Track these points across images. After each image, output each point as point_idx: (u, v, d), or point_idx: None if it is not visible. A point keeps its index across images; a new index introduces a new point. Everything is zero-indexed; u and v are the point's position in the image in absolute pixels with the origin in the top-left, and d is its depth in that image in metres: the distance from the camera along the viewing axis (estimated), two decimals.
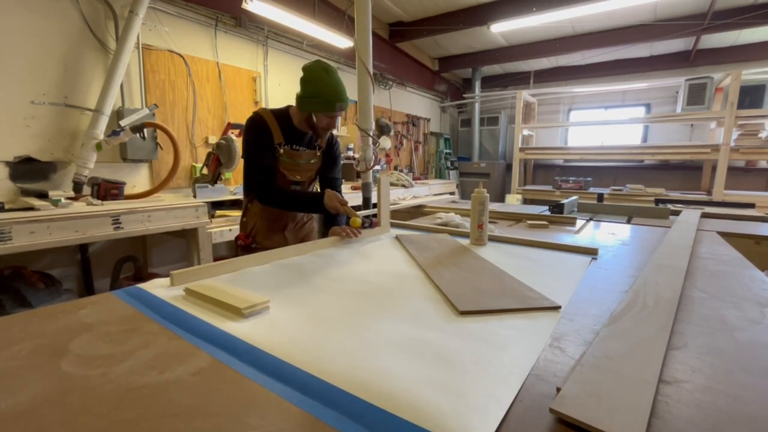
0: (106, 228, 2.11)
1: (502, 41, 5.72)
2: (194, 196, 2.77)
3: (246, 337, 0.61)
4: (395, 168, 5.90)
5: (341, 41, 4.00)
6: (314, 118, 1.45)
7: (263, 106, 3.85)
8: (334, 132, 1.65)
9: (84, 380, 0.49)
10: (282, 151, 1.49)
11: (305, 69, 1.44)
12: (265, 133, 1.47)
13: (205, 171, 3.01)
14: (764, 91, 4.74)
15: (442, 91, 7.14)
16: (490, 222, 1.58)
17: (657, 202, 2.86)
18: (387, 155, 5.58)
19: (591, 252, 1.19)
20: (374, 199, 2.48)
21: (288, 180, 1.55)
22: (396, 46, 5.47)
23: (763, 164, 5.32)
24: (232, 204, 2.97)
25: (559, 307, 0.74)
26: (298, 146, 1.54)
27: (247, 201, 1.60)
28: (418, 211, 2.67)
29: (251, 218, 1.59)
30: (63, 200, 2.11)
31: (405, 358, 0.55)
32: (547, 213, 2.01)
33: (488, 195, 1.28)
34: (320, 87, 1.42)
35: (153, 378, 0.50)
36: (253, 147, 1.48)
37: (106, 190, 2.43)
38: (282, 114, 1.52)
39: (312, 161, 1.59)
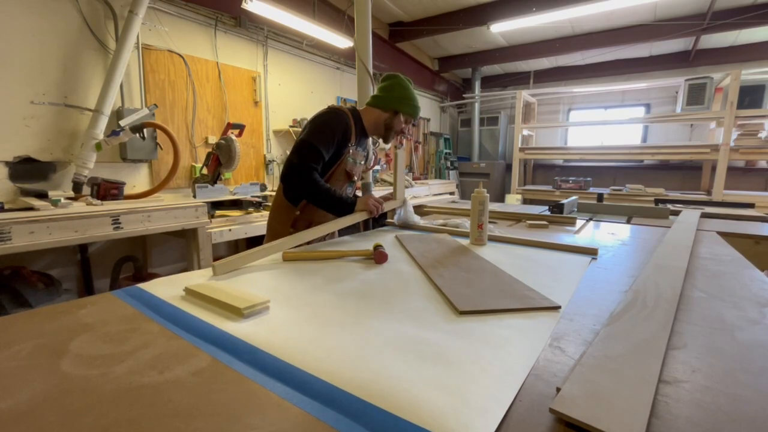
0: (106, 228, 2.11)
1: (502, 41, 5.73)
2: (194, 196, 2.77)
3: (246, 337, 0.61)
4: None
5: (341, 41, 4.00)
6: (399, 119, 1.54)
7: (263, 106, 3.85)
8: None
9: (84, 380, 0.49)
10: (351, 151, 1.51)
11: (393, 76, 1.56)
12: (344, 133, 1.46)
13: (204, 171, 3.01)
14: (764, 91, 4.74)
15: (441, 91, 7.14)
16: (489, 222, 1.58)
17: (657, 202, 2.86)
18: (387, 155, 5.58)
19: (591, 252, 1.19)
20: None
21: (350, 180, 1.57)
22: (396, 46, 5.47)
23: (762, 164, 5.32)
24: (232, 204, 2.97)
25: (559, 307, 0.74)
26: (359, 148, 1.58)
27: (292, 209, 1.50)
28: (417, 211, 2.67)
29: (306, 217, 1.50)
30: (62, 200, 2.11)
31: (405, 358, 0.55)
32: (547, 213, 2.01)
33: (488, 195, 1.28)
34: (411, 94, 1.55)
35: (153, 378, 0.50)
36: (326, 136, 1.42)
37: (106, 190, 2.43)
38: (357, 116, 1.56)
39: (362, 162, 1.64)
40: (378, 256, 1.07)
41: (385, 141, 1.63)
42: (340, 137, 1.45)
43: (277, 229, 1.53)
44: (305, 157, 1.39)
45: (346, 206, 1.42)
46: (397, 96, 1.53)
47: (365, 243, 1.32)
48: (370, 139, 1.73)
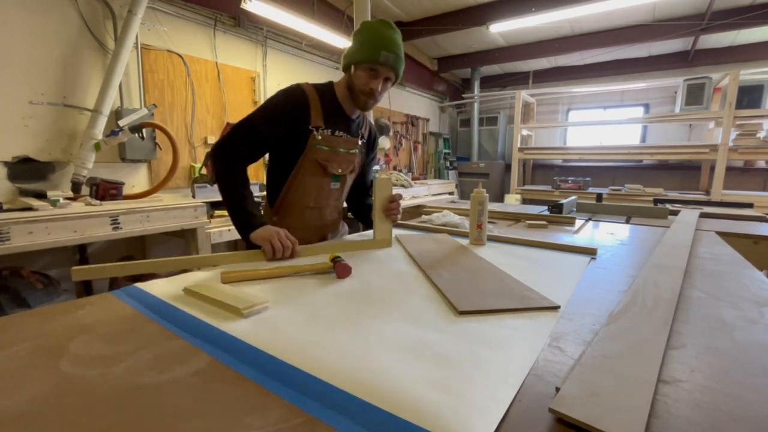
0: (105, 228, 2.11)
1: (501, 41, 5.73)
2: (193, 196, 2.77)
3: (245, 337, 0.61)
4: (394, 168, 5.90)
5: (340, 41, 4.00)
6: (353, 77, 1.19)
7: None
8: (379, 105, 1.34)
9: (83, 381, 0.49)
10: (319, 136, 1.22)
11: (363, 23, 1.21)
12: (295, 110, 1.20)
13: (204, 171, 3.01)
14: (762, 91, 4.75)
15: (441, 91, 7.15)
16: (489, 222, 1.58)
17: (656, 202, 2.86)
18: (386, 155, 5.58)
19: (590, 252, 1.19)
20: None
21: (328, 174, 1.28)
22: None
23: (761, 164, 5.33)
24: None
25: (558, 307, 0.75)
26: (340, 131, 1.28)
27: (279, 197, 1.30)
28: (417, 211, 2.67)
29: (284, 221, 1.29)
30: (61, 200, 2.10)
31: (404, 358, 0.55)
32: (546, 213, 2.01)
33: (487, 195, 1.28)
34: (367, 35, 1.16)
35: (152, 378, 0.50)
36: (265, 112, 1.19)
37: (105, 191, 2.43)
38: (326, 90, 1.27)
39: (352, 151, 1.32)
40: (339, 270, 0.92)
41: (361, 108, 1.27)
42: (291, 114, 1.19)
43: None
44: (236, 136, 1.17)
45: (243, 224, 1.12)
46: (351, 46, 1.19)
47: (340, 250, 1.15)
48: (368, 121, 1.41)
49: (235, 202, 1.15)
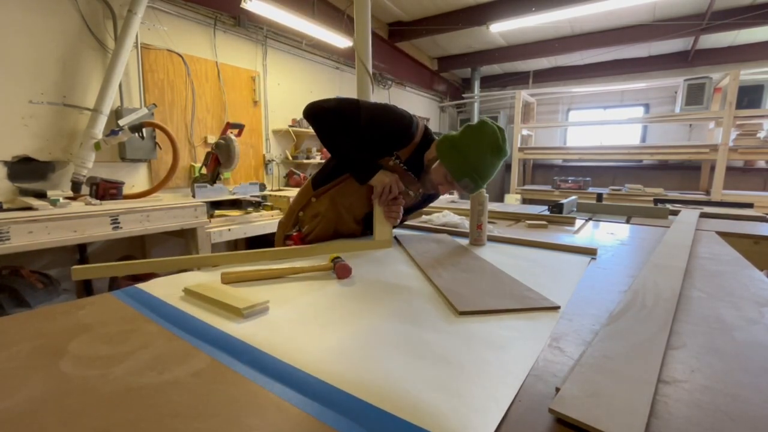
0: (105, 228, 2.11)
1: (501, 41, 5.73)
2: (193, 196, 2.77)
3: (245, 337, 0.61)
4: None
5: (340, 41, 4.00)
6: (441, 170, 1.18)
7: (262, 105, 3.85)
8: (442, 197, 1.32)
9: (83, 381, 0.49)
10: (392, 163, 1.25)
11: (483, 128, 1.14)
12: (400, 130, 1.21)
13: (204, 171, 3.01)
14: (762, 91, 4.75)
15: (441, 91, 7.14)
16: (489, 222, 1.58)
17: (656, 201, 2.86)
18: None
19: (590, 252, 1.19)
20: None
21: (365, 200, 1.30)
22: (395, 46, 5.47)
23: (761, 164, 5.33)
24: (231, 204, 2.97)
25: (559, 307, 0.75)
26: (410, 172, 1.30)
27: (311, 193, 1.33)
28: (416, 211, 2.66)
29: (311, 218, 1.32)
30: (61, 200, 2.10)
31: (404, 359, 0.55)
32: (546, 213, 2.01)
33: (487, 195, 1.28)
34: (474, 159, 1.13)
35: (152, 379, 0.50)
36: (378, 112, 1.21)
37: (105, 190, 2.43)
38: (425, 138, 1.28)
39: (411, 194, 1.31)
40: (340, 270, 0.92)
41: (423, 188, 1.31)
42: (393, 130, 1.21)
43: (287, 215, 1.39)
44: (346, 106, 1.20)
45: (364, 164, 1.19)
46: (458, 149, 1.14)
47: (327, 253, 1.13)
48: (424, 184, 1.32)
49: (350, 145, 1.20)
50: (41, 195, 2.21)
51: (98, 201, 2.33)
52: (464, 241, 1.33)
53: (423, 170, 1.27)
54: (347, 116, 1.20)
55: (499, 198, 6.64)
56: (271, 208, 3.02)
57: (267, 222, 2.87)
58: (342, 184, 1.30)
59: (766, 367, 0.53)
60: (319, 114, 1.21)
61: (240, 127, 3.13)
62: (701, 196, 4.56)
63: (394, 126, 1.22)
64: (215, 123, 3.42)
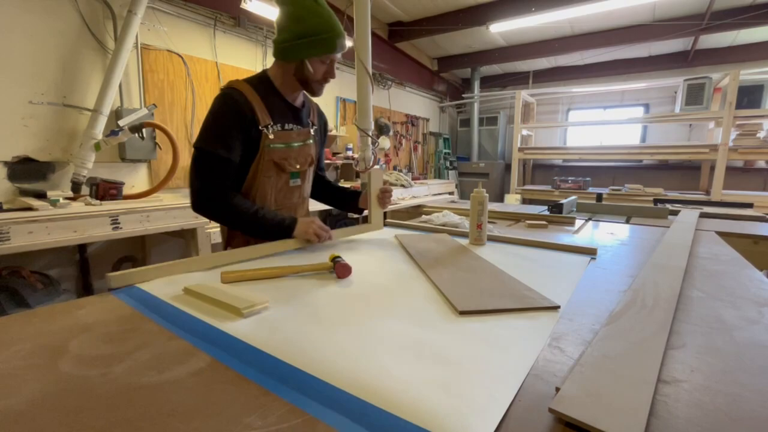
0: (105, 228, 2.11)
1: (501, 41, 5.73)
2: None
3: (245, 337, 0.61)
4: (394, 168, 5.90)
5: None
6: (308, 71, 1.12)
7: None
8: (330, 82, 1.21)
9: (83, 380, 0.49)
10: (272, 135, 1.14)
11: (284, 1, 1.09)
12: (239, 116, 1.09)
13: None
14: (762, 91, 4.75)
15: (441, 91, 7.15)
16: (489, 222, 1.58)
17: (656, 201, 2.86)
18: (386, 155, 5.58)
19: (590, 252, 1.19)
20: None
21: (286, 172, 1.22)
22: (395, 46, 5.47)
23: (761, 164, 5.33)
24: None
25: (558, 307, 0.75)
26: (289, 124, 1.20)
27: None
28: (417, 211, 2.67)
29: (240, 242, 1.22)
30: (61, 200, 2.10)
31: (404, 359, 0.55)
32: (546, 213, 2.02)
33: (487, 195, 1.28)
34: (313, 21, 1.07)
35: (152, 378, 0.50)
36: (213, 132, 1.08)
37: (105, 190, 2.43)
38: (262, 82, 1.17)
39: (308, 142, 1.25)
40: (340, 270, 0.91)
41: (315, 95, 1.23)
42: (239, 123, 1.10)
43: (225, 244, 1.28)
44: (206, 174, 1.09)
45: (280, 230, 1.14)
46: (297, 34, 1.08)
47: (327, 252, 1.15)
48: (314, 104, 1.33)
49: (256, 222, 1.12)
50: (41, 195, 2.21)
51: (98, 201, 2.33)
52: (464, 241, 1.33)
53: (298, 89, 1.20)
54: (211, 194, 1.10)
55: (499, 198, 6.64)
56: None
57: None
58: (249, 193, 1.19)
59: (765, 367, 0.53)
60: (207, 213, 1.13)
61: None
62: (701, 196, 4.56)
63: (224, 126, 1.09)
64: None
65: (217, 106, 1.10)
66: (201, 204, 1.12)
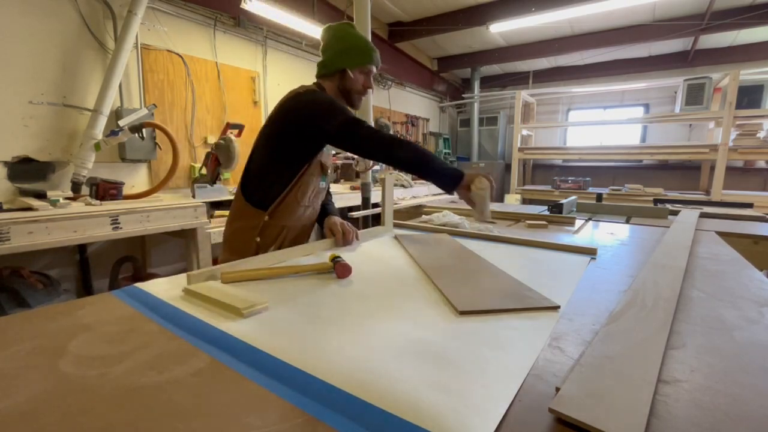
0: (105, 228, 2.11)
1: (501, 41, 5.73)
2: (193, 197, 2.76)
3: (245, 337, 0.61)
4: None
5: None
6: (349, 80, 1.24)
7: (262, 106, 3.84)
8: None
9: (83, 381, 0.49)
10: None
11: (329, 28, 1.26)
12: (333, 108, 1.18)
13: (204, 171, 3.01)
14: (762, 91, 4.75)
15: (441, 91, 7.15)
16: (489, 222, 1.58)
17: (656, 202, 2.86)
18: None
19: (590, 252, 1.19)
20: (374, 199, 2.48)
21: (325, 174, 1.32)
22: (395, 46, 5.47)
23: (761, 164, 5.33)
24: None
25: (558, 307, 0.75)
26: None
27: (278, 198, 1.23)
28: (417, 211, 2.67)
29: (269, 239, 1.26)
30: (61, 200, 2.10)
31: (404, 359, 0.55)
32: (546, 213, 2.01)
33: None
34: (352, 38, 1.25)
35: (152, 378, 0.50)
36: (341, 104, 1.19)
37: (105, 190, 2.43)
38: (320, 88, 1.28)
39: (332, 152, 1.34)
40: (340, 270, 0.91)
41: (355, 107, 1.32)
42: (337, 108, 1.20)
43: (237, 244, 1.27)
44: (345, 109, 1.16)
45: (452, 176, 1.11)
46: (340, 49, 1.24)
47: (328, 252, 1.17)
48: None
49: (432, 156, 1.12)
50: (41, 195, 2.21)
51: (98, 201, 2.33)
52: (464, 241, 1.33)
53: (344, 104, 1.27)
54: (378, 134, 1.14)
55: (499, 198, 6.64)
56: None
57: None
58: (294, 188, 1.23)
59: (765, 367, 0.53)
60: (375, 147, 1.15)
61: (240, 128, 3.13)
62: (701, 196, 4.55)
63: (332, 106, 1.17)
64: (215, 123, 3.42)
65: (319, 94, 1.21)
66: (355, 123, 1.12)
